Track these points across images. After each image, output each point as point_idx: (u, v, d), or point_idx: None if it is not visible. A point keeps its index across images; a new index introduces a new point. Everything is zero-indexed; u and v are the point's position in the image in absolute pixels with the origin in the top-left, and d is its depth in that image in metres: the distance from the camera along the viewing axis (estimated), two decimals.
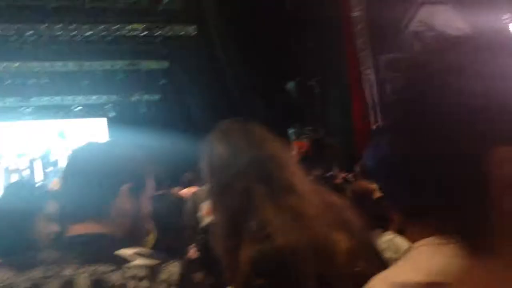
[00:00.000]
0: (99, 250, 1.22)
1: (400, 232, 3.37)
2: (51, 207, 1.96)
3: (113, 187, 1.30)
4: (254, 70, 12.22)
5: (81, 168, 1.31)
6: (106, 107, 15.08)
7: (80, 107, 14.80)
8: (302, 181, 1.45)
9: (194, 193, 4.71)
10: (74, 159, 1.36)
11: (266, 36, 11.41)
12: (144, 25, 14.14)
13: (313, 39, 11.09)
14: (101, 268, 1.17)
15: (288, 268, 1.30)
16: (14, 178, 12.22)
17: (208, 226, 1.99)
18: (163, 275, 1.17)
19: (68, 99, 14.58)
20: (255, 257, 1.31)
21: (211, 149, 1.47)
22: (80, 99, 14.71)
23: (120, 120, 14.45)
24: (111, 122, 14.74)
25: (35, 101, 14.08)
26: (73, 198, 1.30)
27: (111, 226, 1.29)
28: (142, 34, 14.26)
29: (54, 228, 1.94)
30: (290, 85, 12.36)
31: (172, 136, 12.05)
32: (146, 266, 1.18)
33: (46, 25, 13.13)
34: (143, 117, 14.69)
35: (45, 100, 14.24)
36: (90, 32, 13.63)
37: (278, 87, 12.29)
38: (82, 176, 1.29)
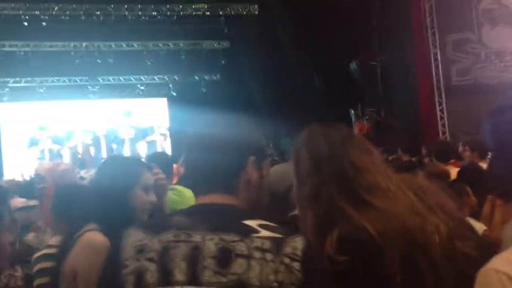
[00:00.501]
0: (227, 219, 1.24)
1: (474, 215, 3.30)
2: (147, 178, 2.01)
3: (240, 160, 1.34)
4: (316, 50, 12.07)
5: (209, 141, 1.34)
6: (167, 87, 15.36)
7: (143, 87, 15.14)
8: (386, 177, 1.50)
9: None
10: (201, 132, 1.39)
11: (328, 14, 11.22)
12: (207, 5, 14.25)
13: (378, 17, 10.82)
14: (228, 236, 1.20)
15: (371, 248, 1.34)
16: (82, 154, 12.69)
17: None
18: (287, 249, 1.17)
19: (133, 79, 14.94)
20: (339, 236, 1.37)
21: (297, 159, 1.55)
22: (144, 78, 15.04)
23: (180, 99, 14.67)
24: (172, 101, 14.99)
25: (102, 80, 14.52)
26: (202, 170, 1.34)
27: (238, 198, 1.32)
28: (205, 13, 14.40)
29: (152, 198, 1.99)
30: (352, 64, 12.14)
31: (232, 116, 12.12)
32: (271, 239, 1.19)
33: (113, 5, 13.48)
34: (203, 97, 14.85)
35: (111, 79, 14.66)
36: (155, 12, 13.89)
37: (339, 67, 12.10)
38: (211, 149, 1.32)
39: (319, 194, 1.45)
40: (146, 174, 2.05)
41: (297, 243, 1.19)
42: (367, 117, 12.10)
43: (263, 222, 1.24)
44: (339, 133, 1.58)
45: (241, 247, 1.18)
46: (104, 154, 13.36)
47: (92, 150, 13.14)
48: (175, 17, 14.10)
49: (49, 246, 2.36)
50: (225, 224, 1.22)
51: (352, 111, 12.74)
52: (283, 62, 13.77)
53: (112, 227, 1.79)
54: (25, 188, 4.74)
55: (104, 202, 1.92)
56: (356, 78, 12.30)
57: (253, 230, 1.20)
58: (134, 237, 1.25)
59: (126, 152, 13.35)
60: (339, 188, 1.45)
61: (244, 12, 14.46)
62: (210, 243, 1.19)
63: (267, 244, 1.18)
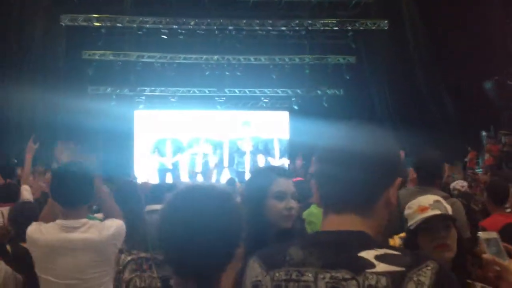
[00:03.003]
0: (343, 252, 1.10)
1: None
2: (279, 185, 1.99)
3: (388, 180, 1.16)
4: (448, 67, 11.57)
5: (359, 154, 1.15)
6: (290, 100, 15.54)
7: (267, 99, 15.48)
8: None
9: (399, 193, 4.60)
10: (349, 142, 1.18)
11: (464, 31, 10.71)
12: (336, 20, 14.29)
13: None
14: (339, 274, 1.07)
15: None
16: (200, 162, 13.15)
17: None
18: (410, 285, 1.01)
19: (257, 91, 15.34)
20: None
21: None
22: (268, 91, 15.37)
23: (301, 113, 14.73)
24: (293, 115, 15.10)
25: (229, 92, 15.09)
26: (341, 184, 1.16)
27: (372, 222, 1.15)
28: (333, 29, 14.46)
29: (289, 204, 1.97)
30: (487, 84, 11.46)
31: (373, 129, 11.88)
32: (388, 274, 1.03)
33: (245, 20, 14.03)
34: (325, 111, 14.78)
35: (237, 91, 15.19)
36: (284, 27, 14.22)
37: (473, 86, 11.48)
38: (359, 163, 1.14)
39: None
40: (278, 181, 1.98)
41: (423, 277, 1.01)
42: (500, 139, 11.36)
43: (382, 252, 1.07)
44: None
45: (352, 287, 1.04)
46: (225, 164, 13.76)
47: (215, 160, 13.53)
48: (303, 32, 14.32)
49: None
50: (338, 259, 1.08)
51: (484, 133, 12.03)
52: (411, 79, 13.35)
53: (252, 239, 1.82)
54: (153, 193, 4.57)
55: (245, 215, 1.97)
56: (491, 98, 11.59)
57: (368, 265, 1.05)
58: (252, 272, 1.21)
59: (247, 162, 13.65)
60: None
61: (373, 27, 14.27)
62: (321, 283, 1.08)
63: (383, 282, 1.02)
